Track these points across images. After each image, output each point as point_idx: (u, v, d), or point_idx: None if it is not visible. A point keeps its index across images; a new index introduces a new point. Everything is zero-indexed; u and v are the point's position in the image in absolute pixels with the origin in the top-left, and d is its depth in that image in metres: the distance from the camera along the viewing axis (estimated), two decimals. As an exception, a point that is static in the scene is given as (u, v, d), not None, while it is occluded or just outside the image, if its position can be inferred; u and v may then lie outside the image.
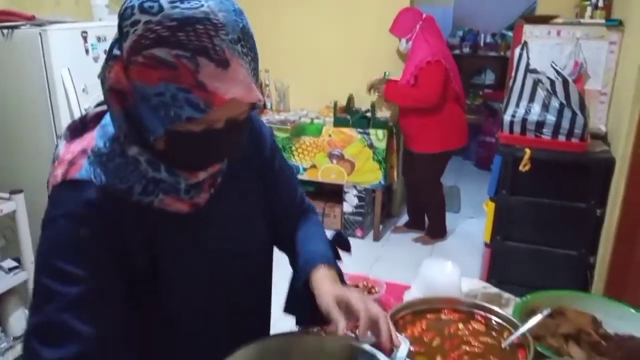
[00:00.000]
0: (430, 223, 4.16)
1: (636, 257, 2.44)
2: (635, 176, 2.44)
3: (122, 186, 0.84)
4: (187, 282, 0.92)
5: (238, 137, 0.87)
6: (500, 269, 2.94)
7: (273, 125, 4.09)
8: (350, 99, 4.23)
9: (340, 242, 1.14)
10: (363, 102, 4.17)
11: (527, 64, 2.76)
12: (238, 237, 1.00)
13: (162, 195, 0.86)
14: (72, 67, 2.66)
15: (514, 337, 1.21)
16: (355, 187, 4.10)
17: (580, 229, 2.78)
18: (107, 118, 0.88)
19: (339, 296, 0.93)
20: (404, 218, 4.47)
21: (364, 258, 3.80)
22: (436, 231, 4.13)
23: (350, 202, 4.16)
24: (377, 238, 4.18)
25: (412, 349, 1.13)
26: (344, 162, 4.03)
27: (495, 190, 2.86)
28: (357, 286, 1.53)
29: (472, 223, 4.35)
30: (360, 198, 4.13)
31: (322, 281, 0.97)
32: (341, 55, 4.35)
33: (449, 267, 1.43)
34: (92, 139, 0.87)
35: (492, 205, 2.89)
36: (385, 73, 4.06)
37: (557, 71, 2.64)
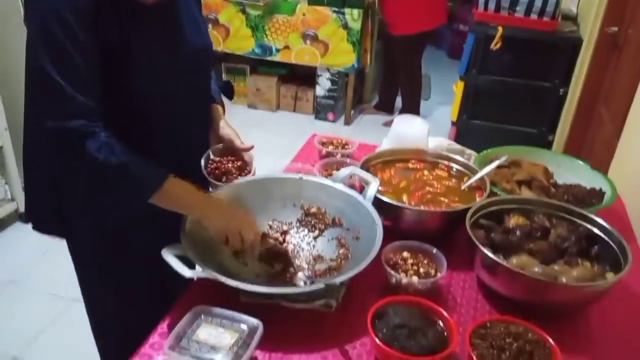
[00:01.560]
0: (404, 107, 4.20)
1: (590, 133, 2.59)
2: (599, 55, 2.53)
3: None
4: (153, 67, 1.08)
5: None
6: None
7: (244, 2, 3.97)
8: (325, -23, 4.09)
9: (226, 89, 1.42)
10: (338, -18, 4.04)
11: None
12: (191, 34, 1.17)
13: None
14: None
15: (472, 180, 1.34)
16: (328, 70, 4.10)
17: (542, 108, 2.91)
18: None
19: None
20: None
21: (335, 139, 3.89)
22: None
23: (323, 85, 4.17)
24: (348, 122, 4.25)
25: (380, 188, 1.25)
26: (318, 43, 3.99)
27: (465, 70, 2.92)
28: (331, 143, 1.63)
29: (441, 109, 4.46)
30: (333, 82, 4.14)
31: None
32: None
33: (418, 122, 1.53)
34: None
35: (461, 84, 2.97)
36: None
37: (535, -53, 2.62)
